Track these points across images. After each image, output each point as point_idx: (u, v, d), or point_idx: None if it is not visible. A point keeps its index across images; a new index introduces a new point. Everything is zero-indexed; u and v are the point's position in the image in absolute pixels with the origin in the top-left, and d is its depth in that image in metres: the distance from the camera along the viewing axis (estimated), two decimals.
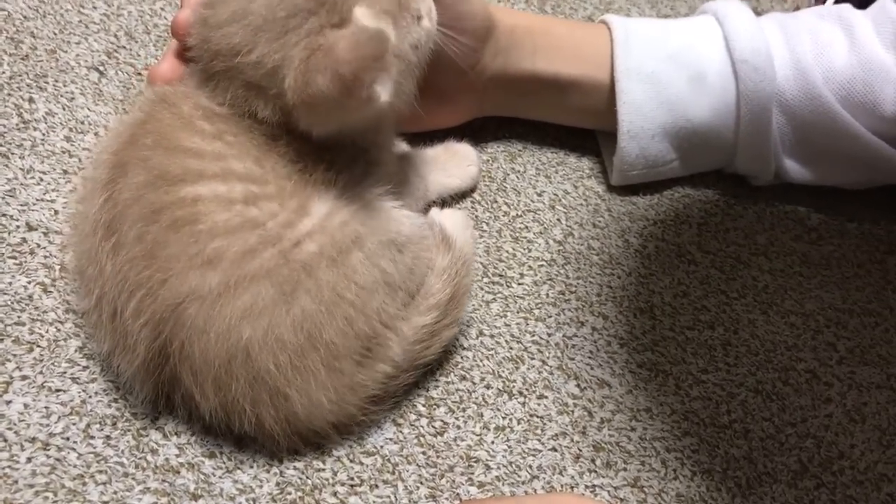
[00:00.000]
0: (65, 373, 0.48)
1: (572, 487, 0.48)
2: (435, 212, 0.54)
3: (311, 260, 0.43)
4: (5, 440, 0.45)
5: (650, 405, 0.52)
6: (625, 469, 0.49)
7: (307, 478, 0.46)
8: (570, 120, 0.66)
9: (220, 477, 0.45)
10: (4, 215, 0.54)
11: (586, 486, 0.48)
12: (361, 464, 0.47)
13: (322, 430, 0.46)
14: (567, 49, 0.62)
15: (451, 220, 0.54)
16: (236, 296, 0.42)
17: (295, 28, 0.43)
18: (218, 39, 0.44)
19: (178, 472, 0.45)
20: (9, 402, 0.46)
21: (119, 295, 0.43)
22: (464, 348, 0.53)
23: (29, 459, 0.44)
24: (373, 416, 0.47)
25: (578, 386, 0.53)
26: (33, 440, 0.45)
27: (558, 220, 0.62)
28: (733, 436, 0.52)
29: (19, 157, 0.57)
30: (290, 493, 0.45)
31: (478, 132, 0.65)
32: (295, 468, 0.46)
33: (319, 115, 0.44)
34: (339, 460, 0.47)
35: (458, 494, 0.47)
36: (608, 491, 0.48)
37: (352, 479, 0.46)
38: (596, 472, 0.49)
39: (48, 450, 0.45)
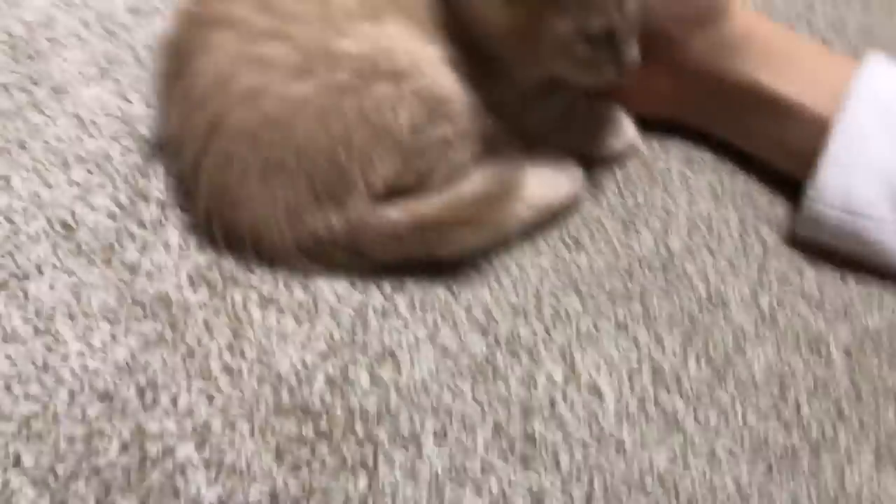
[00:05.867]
0: None
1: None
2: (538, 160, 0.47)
3: (338, 55, 0.41)
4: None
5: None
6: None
7: (236, 271, 0.43)
8: (778, 155, 0.53)
9: (173, 227, 0.45)
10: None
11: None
12: (290, 291, 0.43)
13: (247, 234, 0.42)
14: (803, 70, 0.51)
15: (541, 178, 0.47)
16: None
17: None
18: None
19: (147, 202, 0.45)
20: None
21: None
22: (471, 267, 0.45)
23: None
24: (298, 264, 0.43)
25: (563, 372, 0.42)
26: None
27: (688, 234, 0.50)
28: None
29: None
30: (213, 271, 0.43)
31: (672, 127, 0.56)
32: (231, 259, 0.44)
33: None
34: (275, 277, 0.43)
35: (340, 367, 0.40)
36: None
37: (271, 295, 0.43)
38: (518, 463, 0.39)
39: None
